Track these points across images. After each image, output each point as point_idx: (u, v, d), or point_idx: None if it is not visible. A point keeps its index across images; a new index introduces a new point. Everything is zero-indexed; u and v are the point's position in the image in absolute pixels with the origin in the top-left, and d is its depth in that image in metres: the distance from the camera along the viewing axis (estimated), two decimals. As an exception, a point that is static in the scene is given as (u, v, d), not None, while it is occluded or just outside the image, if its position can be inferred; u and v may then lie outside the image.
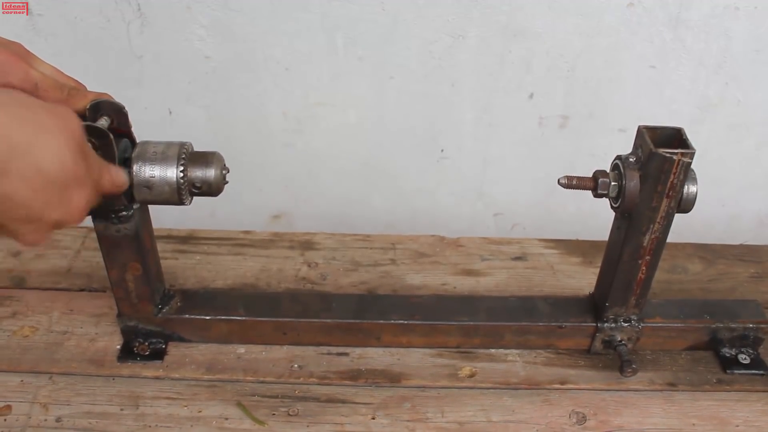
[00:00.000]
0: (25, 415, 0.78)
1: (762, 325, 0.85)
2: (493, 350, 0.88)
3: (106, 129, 0.64)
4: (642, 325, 0.84)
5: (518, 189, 1.26)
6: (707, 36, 1.05)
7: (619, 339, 0.85)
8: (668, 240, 0.76)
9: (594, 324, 0.84)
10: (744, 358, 0.86)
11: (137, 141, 0.69)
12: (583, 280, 1.00)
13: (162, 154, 0.67)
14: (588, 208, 1.26)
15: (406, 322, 0.85)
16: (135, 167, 0.67)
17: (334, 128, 1.17)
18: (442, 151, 1.20)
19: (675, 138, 0.71)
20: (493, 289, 0.98)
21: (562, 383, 0.84)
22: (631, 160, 0.72)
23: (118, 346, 0.86)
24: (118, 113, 0.66)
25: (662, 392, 0.83)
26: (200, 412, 0.79)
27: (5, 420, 0.77)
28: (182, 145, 0.68)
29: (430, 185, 1.25)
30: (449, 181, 1.24)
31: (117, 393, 0.81)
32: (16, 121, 0.52)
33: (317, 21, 1.05)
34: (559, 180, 0.73)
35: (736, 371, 0.85)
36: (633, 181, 0.71)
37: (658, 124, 0.72)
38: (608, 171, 0.74)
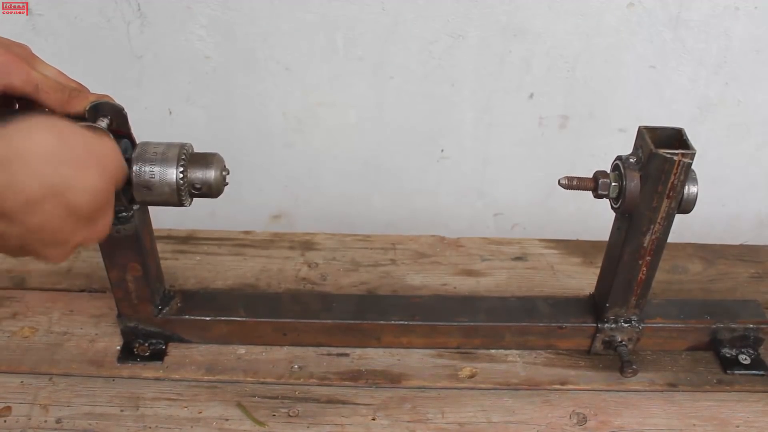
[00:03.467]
0: (25, 416, 0.77)
1: (762, 326, 0.85)
2: (493, 351, 0.88)
3: (106, 129, 0.64)
4: (642, 325, 0.84)
5: (518, 189, 1.26)
6: (707, 36, 1.05)
7: (619, 339, 0.84)
8: (668, 240, 0.76)
9: (594, 324, 0.84)
10: (744, 359, 0.86)
11: (137, 142, 0.69)
12: (584, 280, 1.00)
13: (162, 155, 0.67)
14: (588, 209, 1.26)
15: (406, 322, 0.85)
16: (135, 168, 0.66)
17: (334, 128, 1.17)
18: (442, 151, 1.20)
19: (675, 138, 0.71)
20: (493, 290, 0.98)
21: (562, 384, 0.84)
22: (631, 160, 0.72)
23: (118, 347, 0.86)
24: (117, 115, 0.66)
25: (662, 393, 0.83)
26: (200, 413, 0.79)
27: (5, 421, 0.77)
28: (182, 146, 0.68)
29: (430, 185, 1.25)
30: (449, 181, 1.24)
31: (117, 394, 0.81)
32: (53, 161, 0.52)
33: (317, 21, 1.04)
34: (559, 181, 0.73)
35: (736, 372, 0.85)
36: (633, 182, 0.71)
37: (658, 124, 0.72)
38: (609, 171, 0.74)
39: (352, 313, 0.86)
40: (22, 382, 0.82)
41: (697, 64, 1.08)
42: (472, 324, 0.85)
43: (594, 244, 1.06)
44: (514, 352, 0.88)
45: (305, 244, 1.05)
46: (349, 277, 0.99)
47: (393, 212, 1.29)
